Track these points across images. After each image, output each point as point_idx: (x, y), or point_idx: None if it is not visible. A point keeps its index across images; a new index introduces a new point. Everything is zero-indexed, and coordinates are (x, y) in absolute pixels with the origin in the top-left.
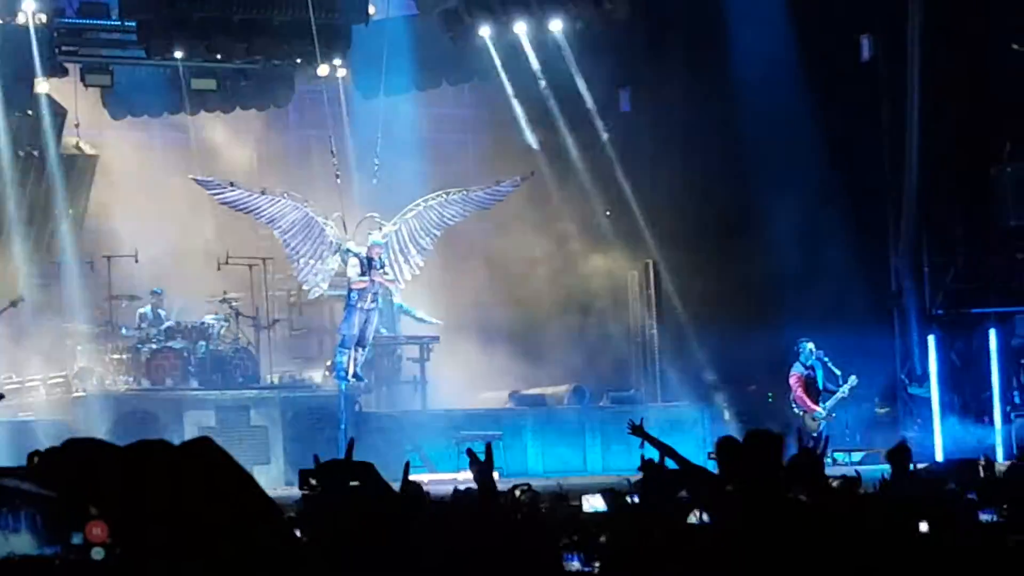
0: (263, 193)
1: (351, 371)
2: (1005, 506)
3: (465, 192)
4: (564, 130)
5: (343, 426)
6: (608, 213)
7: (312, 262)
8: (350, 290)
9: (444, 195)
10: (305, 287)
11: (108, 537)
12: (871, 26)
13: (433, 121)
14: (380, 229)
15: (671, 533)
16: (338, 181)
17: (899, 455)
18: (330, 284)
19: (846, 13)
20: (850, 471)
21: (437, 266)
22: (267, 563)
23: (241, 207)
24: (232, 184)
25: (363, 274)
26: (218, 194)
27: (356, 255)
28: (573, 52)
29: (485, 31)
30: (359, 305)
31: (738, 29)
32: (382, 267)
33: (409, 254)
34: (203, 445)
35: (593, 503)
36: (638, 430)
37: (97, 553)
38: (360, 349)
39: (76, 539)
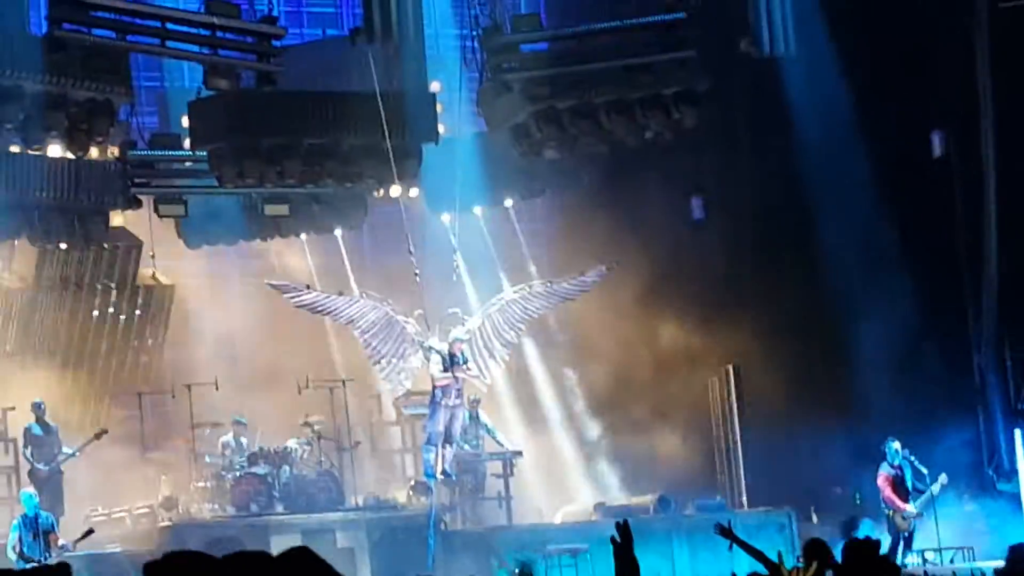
0: (340, 294)
1: (439, 468)
2: None
3: (549, 284)
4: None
5: (431, 546)
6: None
7: (394, 361)
8: (434, 387)
9: (527, 288)
10: (388, 386)
11: None
12: (942, 122)
13: (506, 236)
14: (463, 324)
15: None
16: (417, 279)
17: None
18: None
19: (916, 110)
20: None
21: (518, 382)
22: None
23: (319, 309)
24: (308, 287)
25: (446, 371)
26: (294, 297)
27: (438, 352)
28: (645, 161)
29: (553, 145)
30: (443, 402)
31: (806, 130)
32: (465, 363)
33: (494, 348)
34: (302, 555)
35: None
36: (726, 532)
37: None
38: (447, 446)
39: None
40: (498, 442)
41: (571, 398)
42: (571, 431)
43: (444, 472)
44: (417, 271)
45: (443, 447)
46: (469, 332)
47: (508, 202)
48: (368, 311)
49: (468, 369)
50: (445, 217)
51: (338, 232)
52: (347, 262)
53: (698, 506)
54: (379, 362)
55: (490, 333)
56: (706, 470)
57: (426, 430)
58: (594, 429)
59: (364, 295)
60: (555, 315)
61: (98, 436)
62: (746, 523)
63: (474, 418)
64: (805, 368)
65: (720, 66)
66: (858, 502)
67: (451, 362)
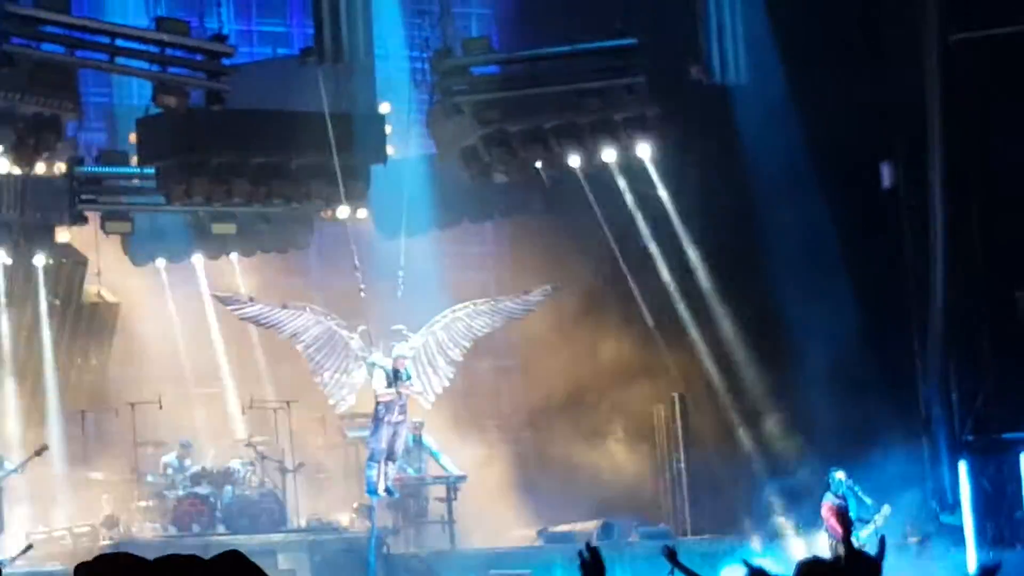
0: (284, 307)
1: (381, 486)
2: None
3: (494, 302)
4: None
5: (372, 569)
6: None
7: (337, 376)
8: (377, 404)
9: (472, 305)
10: (331, 401)
11: None
12: (891, 153)
13: (455, 259)
14: (407, 340)
15: None
16: (362, 295)
17: None
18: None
19: (866, 140)
20: None
21: (461, 406)
22: None
23: (263, 322)
24: (252, 299)
25: (389, 387)
26: (238, 310)
27: (382, 367)
28: (594, 186)
29: (502, 169)
30: (386, 418)
31: (756, 157)
32: (409, 379)
33: (438, 366)
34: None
35: None
36: (672, 556)
37: None
38: (390, 463)
39: None
40: (442, 466)
41: (515, 421)
42: (514, 455)
43: (386, 489)
44: (362, 286)
45: (385, 464)
46: (413, 349)
47: (447, 229)
48: (312, 325)
49: (411, 386)
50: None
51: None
52: (293, 281)
53: (642, 533)
54: (322, 376)
55: (434, 350)
56: (650, 496)
57: (368, 446)
58: (537, 453)
59: (308, 309)
60: (502, 335)
61: (38, 453)
62: (690, 551)
63: (418, 441)
64: (748, 396)
65: (670, 93)
66: (799, 531)
67: (395, 378)
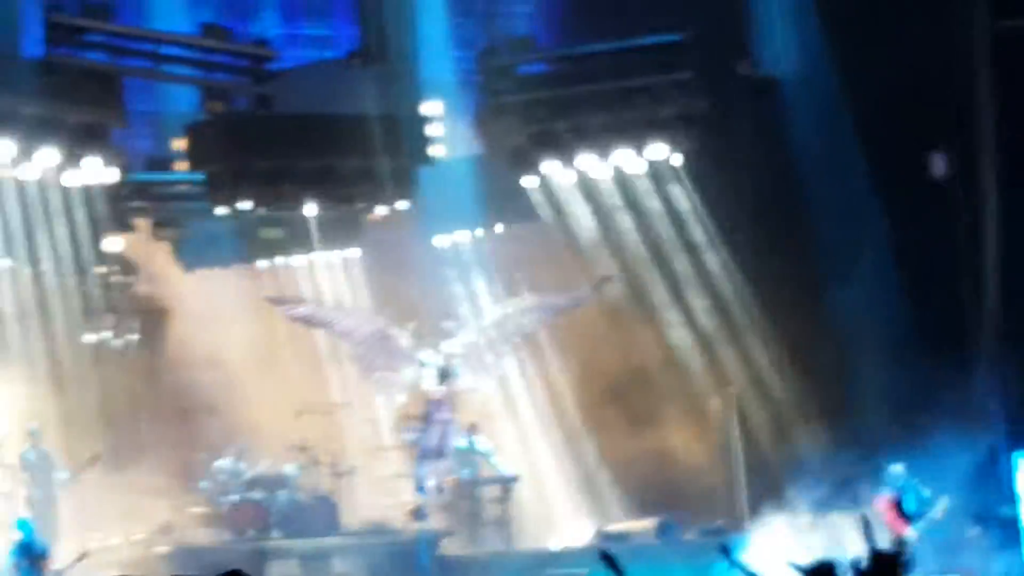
0: (335, 307)
1: (431, 483)
2: None
3: (542, 299)
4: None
5: (426, 571)
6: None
7: (387, 374)
8: (427, 401)
9: (520, 302)
10: (380, 399)
11: None
12: (942, 143)
13: (503, 259)
14: (456, 338)
15: None
16: (411, 293)
17: None
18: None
19: (917, 130)
20: None
21: (514, 405)
22: None
23: (314, 321)
24: (303, 300)
25: (439, 384)
26: (290, 310)
27: (432, 365)
28: (643, 183)
29: (551, 167)
30: (437, 416)
31: (805, 151)
32: (458, 376)
33: (487, 363)
34: None
35: None
36: (728, 554)
37: None
38: (440, 460)
39: None
40: (494, 466)
41: (568, 419)
42: (569, 453)
43: (437, 487)
44: (411, 286)
45: (436, 461)
46: (463, 346)
47: (499, 226)
48: (362, 324)
49: (461, 383)
50: (441, 239)
51: (334, 253)
52: (343, 283)
53: (700, 531)
54: (372, 374)
55: (484, 347)
56: (708, 493)
57: (418, 444)
58: (592, 451)
59: (358, 308)
60: (553, 330)
61: (92, 462)
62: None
63: (470, 443)
64: (805, 393)
65: (719, 87)
66: (861, 524)
67: (444, 376)
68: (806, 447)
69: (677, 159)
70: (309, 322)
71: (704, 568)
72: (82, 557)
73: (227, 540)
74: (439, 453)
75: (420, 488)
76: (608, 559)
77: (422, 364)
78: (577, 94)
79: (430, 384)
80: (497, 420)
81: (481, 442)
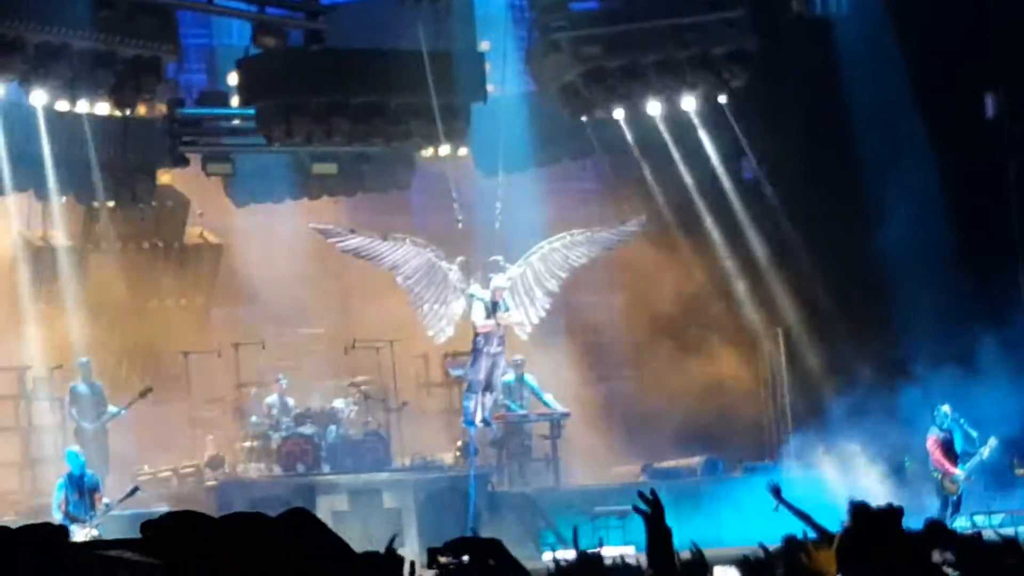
0: (385, 239)
1: (479, 416)
2: None
3: (590, 233)
4: (692, 199)
5: (472, 507)
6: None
7: (436, 307)
8: (476, 335)
9: (568, 236)
10: (429, 333)
11: None
12: (995, 83)
13: (554, 196)
14: (504, 272)
15: None
16: (459, 226)
17: None
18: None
19: (969, 71)
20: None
21: (564, 344)
22: None
23: (364, 254)
24: (353, 231)
25: (488, 318)
26: (340, 241)
27: (480, 299)
28: (694, 122)
29: (604, 106)
30: (485, 350)
31: (856, 91)
32: (507, 310)
33: (535, 297)
34: (299, 516)
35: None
36: (777, 493)
37: None
38: (488, 394)
39: None
40: (545, 403)
41: (617, 357)
42: (617, 391)
43: (484, 420)
44: (459, 217)
45: (483, 395)
46: (511, 279)
47: (547, 166)
48: (412, 257)
49: (510, 316)
50: (492, 176)
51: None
52: (394, 221)
53: (746, 468)
54: (421, 308)
55: (531, 281)
56: (754, 433)
57: (467, 378)
58: (640, 389)
59: (408, 240)
60: (602, 268)
61: (143, 394)
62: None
63: (519, 379)
64: (854, 334)
65: (771, 26)
66: (907, 465)
67: (493, 309)
68: (855, 382)
69: (727, 97)
70: (358, 254)
71: (751, 506)
72: (134, 491)
73: (277, 474)
74: (487, 386)
75: (468, 421)
76: (645, 498)
77: (471, 297)
78: (628, 32)
79: (479, 317)
80: (545, 355)
81: (529, 378)
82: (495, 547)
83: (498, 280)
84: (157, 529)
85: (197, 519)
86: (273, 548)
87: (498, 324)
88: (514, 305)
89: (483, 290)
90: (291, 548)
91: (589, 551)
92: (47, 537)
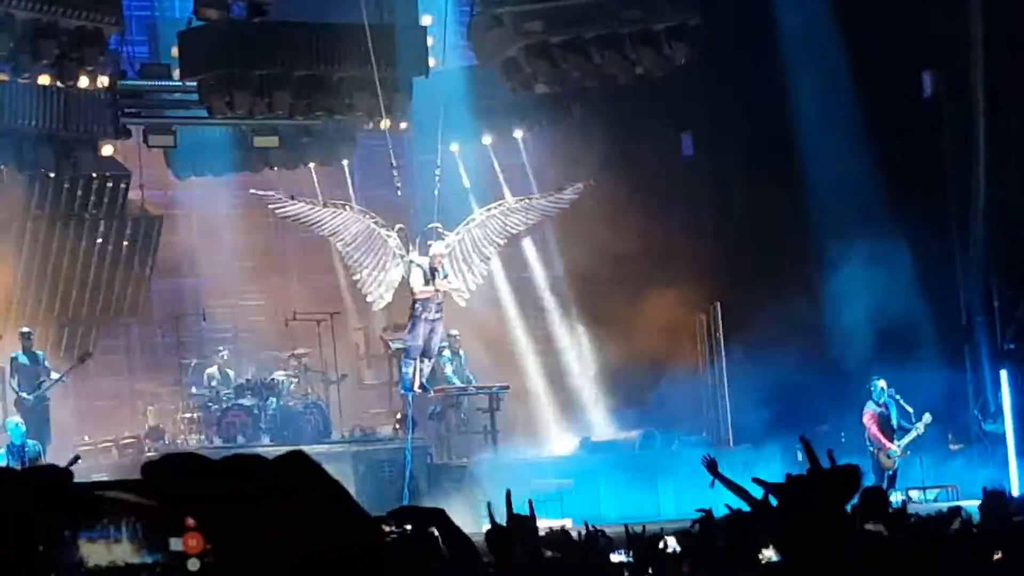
0: (325, 205)
1: (417, 383)
2: None
3: (527, 200)
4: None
5: (409, 478)
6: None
7: (375, 273)
8: (415, 301)
9: (506, 203)
10: (368, 299)
11: (203, 548)
12: (933, 62)
13: (493, 170)
14: (443, 239)
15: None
16: (399, 193)
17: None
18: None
19: (907, 49)
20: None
21: (502, 317)
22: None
23: (304, 220)
24: (293, 197)
25: (427, 284)
26: (280, 207)
27: (419, 265)
28: (635, 98)
29: (544, 80)
30: (423, 316)
31: (796, 67)
32: (445, 276)
33: (473, 263)
34: (296, 458)
35: (669, 543)
36: (712, 467)
37: (193, 564)
38: (426, 360)
39: (175, 546)
40: (468, 380)
41: (556, 331)
42: (556, 365)
43: (422, 386)
44: (399, 184)
45: (421, 361)
46: (449, 246)
47: (486, 139)
48: (351, 223)
49: (448, 282)
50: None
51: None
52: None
53: (683, 442)
54: (360, 274)
55: (470, 248)
56: (692, 405)
57: (405, 344)
58: (580, 364)
59: (348, 207)
60: (547, 242)
61: (82, 359)
62: (732, 460)
63: (456, 354)
64: (789, 306)
65: (712, 1)
66: (843, 439)
67: (432, 276)
68: (789, 361)
69: (665, 71)
70: (298, 220)
71: (689, 480)
72: (75, 460)
73: (216, 445)
74: (425, 352)
75: (407, 387)
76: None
77: (410, 264)
78: (570, 6)
79: (417, 284)
80: (481, 324)
81: (460, 354)
82: (439, 516)
83: (436, 247)
84: (157, 470)
85: (196, 460)
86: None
87: (436, 291)
88: (452, 272)
89: (422, 257)
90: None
91: (521, 515)
92: (51, 479)
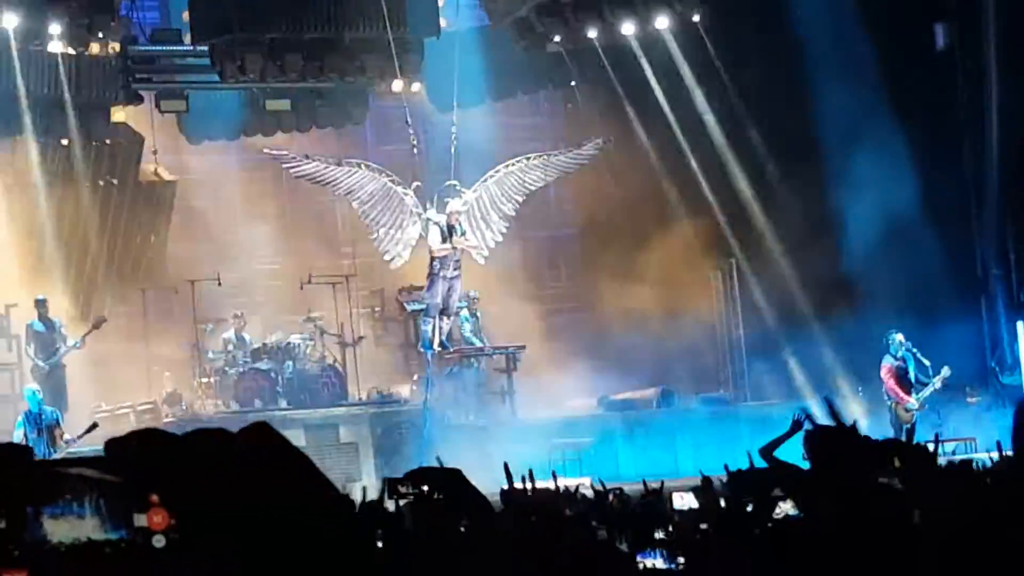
0: (340, 164)
1: (436, 340)
2: None
3: (546, 156)
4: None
5: (426, 439)
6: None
7: (392, 232)
8: (432, 259)
9: (525, 160)
10: (386, 257)
11: (168, 524)
12: (945, 14)
13: (508, 130)
14: (460, 196)
15: (762, 527)
16: (415, 151)
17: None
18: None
19: (919, 1)
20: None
21: (521, 277)
22: (326, 544)
23: (319, 179)
24: (308, 156)
25: (444, 242)
26: (295, 167)
27: (436, 223)
28: (646, 54)
29: (557, 38)
30: (442, 274)
31: (808, 21)
32: (463, 234)
33: (491, 220)
34: (260, 430)
35: (685, 501)
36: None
37: (158, 540)
38: (445, 318)
39: (139, 522)
40: (483, 341)
41: (573, 291)
42: (573, 324)
43: (441, 344)
44: (415, 141)
45: (440, 319)
46: (466, 203)
47: (499, 99)
48: (367, 182)
49: (466, 240)
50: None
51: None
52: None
53: (702, 400)
54: (377, 232)
55: (488, 205)
56: (709, 363)
57: (423, 302)
58: (596, 323)
59: (363, 165)
60: (559, 204)
61: (97, 325)
62: (750, 417)
63: (474, 315)
64: (805, 262)
65: None
66: (860, 393)
67: (449, 233)
68: (807, 317)
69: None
70: (314, 179)
71: (707, 437)
72: (92, 427)
73: (234, 410)
74: (444, 310)
75: (426, 345)
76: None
77: (427, 221)
78: None
79: (435, 242)
80: (502, 291)
81: (477, 315)
82: (456, 477)
83: (454, 204)
84: (121, 446)
85: (159, 436)
86: (235, 461)
87: (454, 248)
88: (470, 229)
89: (439, 214)
90: (253, 461)
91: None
92: (11, 456)
